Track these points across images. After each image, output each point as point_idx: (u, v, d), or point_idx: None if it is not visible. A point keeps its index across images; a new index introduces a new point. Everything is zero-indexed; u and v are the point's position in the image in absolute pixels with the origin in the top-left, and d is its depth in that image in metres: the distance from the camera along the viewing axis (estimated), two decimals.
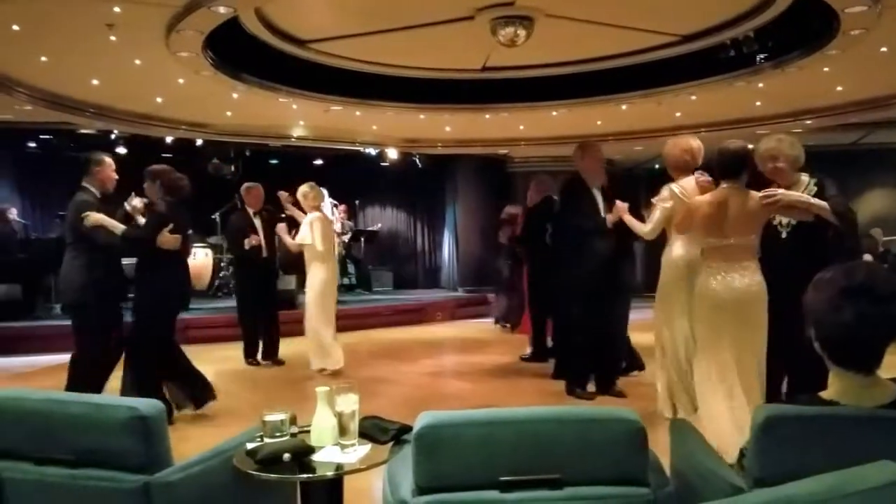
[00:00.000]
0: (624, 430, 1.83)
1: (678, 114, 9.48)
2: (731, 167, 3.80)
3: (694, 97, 8.50)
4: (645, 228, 4.94)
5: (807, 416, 1.76)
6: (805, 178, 3.85)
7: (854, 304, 1.69)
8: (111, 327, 4.91)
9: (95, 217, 4.63)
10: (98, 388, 4.65)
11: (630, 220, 5.09)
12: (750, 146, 3.96)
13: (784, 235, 3.88)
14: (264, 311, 7.29)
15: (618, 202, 5.23)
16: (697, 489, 1.97)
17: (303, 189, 6.95)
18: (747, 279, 3.73)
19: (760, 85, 7.91)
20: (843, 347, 1.75)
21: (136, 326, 4.87)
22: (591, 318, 5.42)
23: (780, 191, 3.65)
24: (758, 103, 8.91)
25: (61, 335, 6.15)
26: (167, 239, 4.78)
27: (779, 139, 3.91)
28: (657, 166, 13.86)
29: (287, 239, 7.05)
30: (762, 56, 7.20)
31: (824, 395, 1.83)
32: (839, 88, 8.26)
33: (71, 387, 4.62)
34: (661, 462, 2.06)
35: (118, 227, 4.70)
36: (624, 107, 9.03)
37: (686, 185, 4.73)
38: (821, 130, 10.08)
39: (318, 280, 6.73)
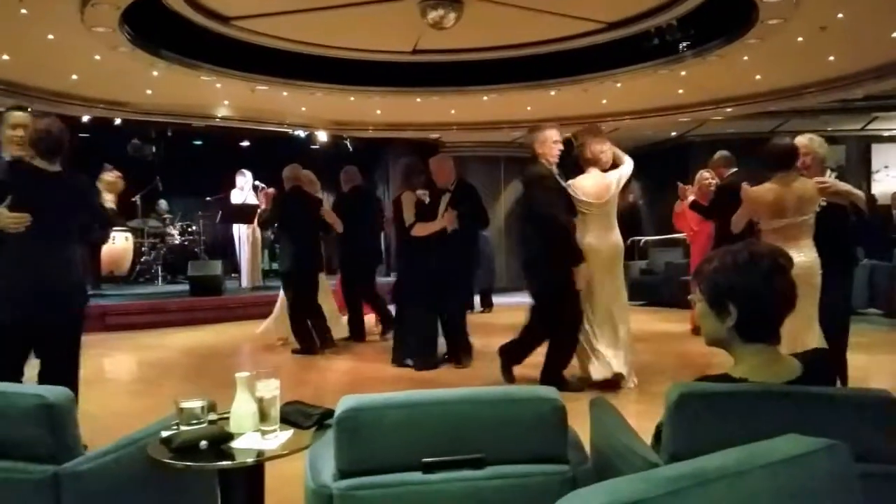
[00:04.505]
0: (544, 409, 1.84)
1: (604, 101, 9.64)
2: (785, 160, 4.22)
3: (619, 84, 8.66)
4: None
5: (717, 392, 1.81)
6: (829, 172, 4.39)
7: (779, 280, 1.80)
8: None
9: None
10: None
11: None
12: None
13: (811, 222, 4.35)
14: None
15: (446, 214, 5.83)
16: (615, 465, 2.01)
17: None
18: (804, 256, 3.99)
19: (683, 73, 8.13)
20: (766, 321, 1.83)
21: None
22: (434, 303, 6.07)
23: (831, 179, 4.17)
24: (680, 91, 9.14)
25: None
26: None
27: (810, 138, 4.42)
28: None
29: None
30: (684, 45, 7.40)
31: (733, 373, 1.89)
32: (758, 77, 8.54)
33: None
34: (580, 440, 2.09)
35: None
36: (553, 93, 9.13)
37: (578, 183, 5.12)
38: (741, 118, 10.43)
39: None
